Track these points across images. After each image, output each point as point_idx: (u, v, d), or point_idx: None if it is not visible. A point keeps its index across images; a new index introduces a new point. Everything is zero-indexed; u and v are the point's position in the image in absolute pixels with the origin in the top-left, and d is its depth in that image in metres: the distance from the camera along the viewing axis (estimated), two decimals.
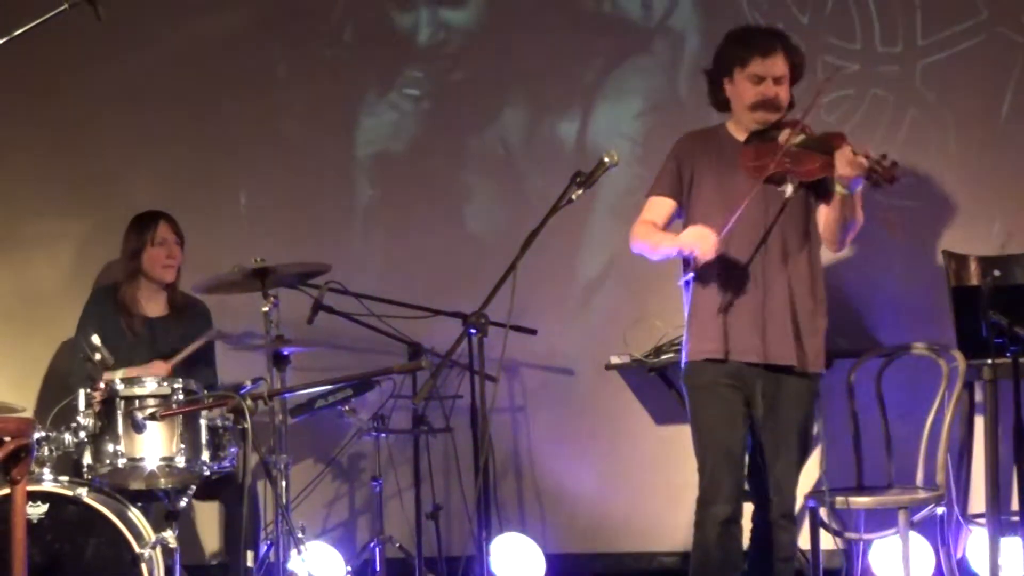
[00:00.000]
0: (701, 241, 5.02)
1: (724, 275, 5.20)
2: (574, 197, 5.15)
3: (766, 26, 5.44)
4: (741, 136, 5.32)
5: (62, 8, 4.58)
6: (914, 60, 6.80)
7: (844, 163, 5.02)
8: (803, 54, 5.33)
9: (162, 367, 6.12)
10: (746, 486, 5.32)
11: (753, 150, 5.22)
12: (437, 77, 7.12)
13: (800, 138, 5.16)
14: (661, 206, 5.34)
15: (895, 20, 6.82)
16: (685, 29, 6.97)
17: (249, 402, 4.63)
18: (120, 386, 5.66)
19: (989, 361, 5.70)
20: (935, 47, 6.79)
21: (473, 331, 5.04)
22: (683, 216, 5.34)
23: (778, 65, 5.22)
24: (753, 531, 5.36)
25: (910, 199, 6.67)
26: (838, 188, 5.10)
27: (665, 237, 5.25)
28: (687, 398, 5.31)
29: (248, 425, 4.61)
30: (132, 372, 6.00)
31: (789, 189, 5.15)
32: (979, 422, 6.17)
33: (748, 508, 5.36)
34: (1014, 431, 5.27)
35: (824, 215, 5.26)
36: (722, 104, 5.37)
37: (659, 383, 6.63)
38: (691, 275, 5.18)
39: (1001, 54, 6.74)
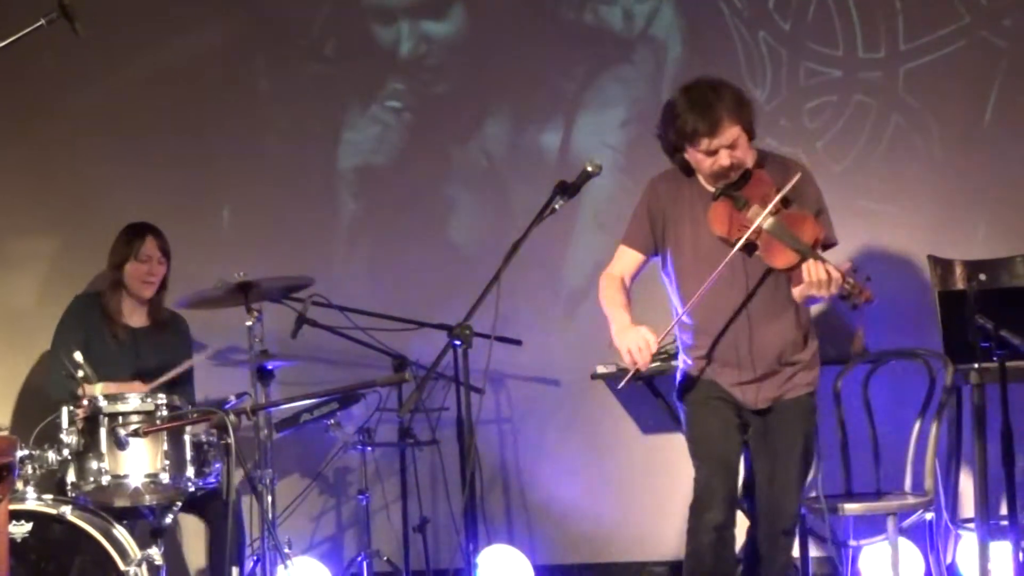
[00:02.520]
0: (640, 352, 4.97)
1: (712, 314, 5.17)
2: (557, 207, 5.12)
3: (707, 90, 5.10)
4: (710, 186, 5.19)
5: (39, 24, 4.55)
6: (897, 66, 6.80)
7: (813, 284, 4.90)
8: (749, 104, 5.14)
9: (141, 388, 6.07)
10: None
11: (724, 214, 5.10)
12: (419, 89, 7.11)
13: (770, 222, 5.01)
14: (629, 258, 5.30)
15: (877, 26, 6.82)
16: (667, 38, 6.96)
17: (233, 417, 4.59)
18: (103, 403, 5.63)
19: (976, 365, 5.69)
20: (917, 52, 6.80)
21: (457, 343, 5.00)
22: (659, 258, 5.30)
23: (727, 134, 5.03)
24: (747, 545, 5.33)
25: (894, 204, 6.68)
26: (795, 294, 5.05)
27: (615, 315, 5.19)
28: (682, 414, 5.30)
29: (232, 440, 4.58)
30: (111, 387, 5.97)
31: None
32: (967, 426, 6.16)
33: (744, 522, 5.35)
34: (1002, 435, 5.27)
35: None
36: (683, 164, 5.21)
37: (646, 392, 6.61)
38: (624, 383, 5.10)
39: (983, 58, 6.75)
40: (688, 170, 5.22)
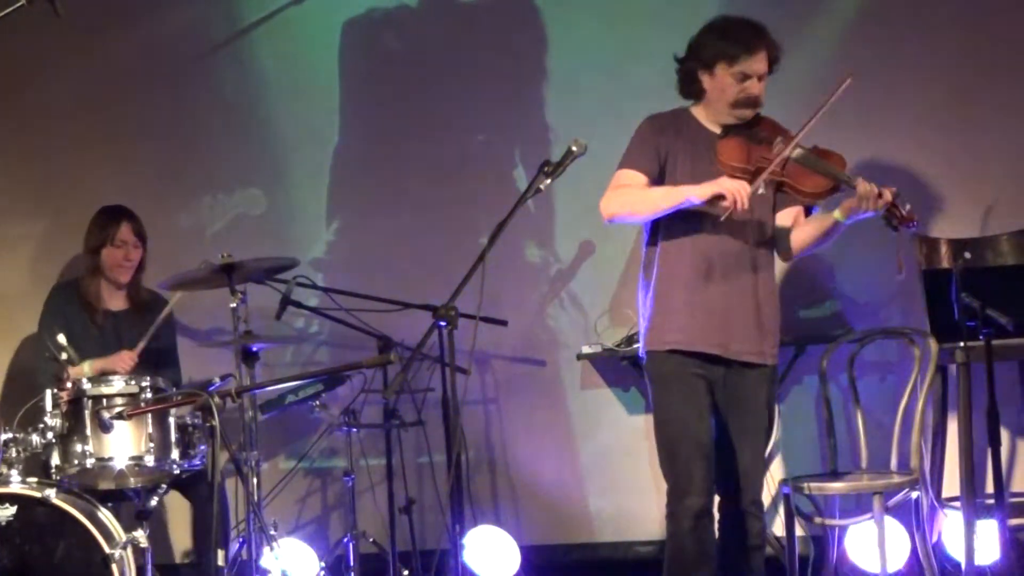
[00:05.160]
0: (741, 188, 4.91)
1: (692, 267, 5.16)
2: (542, 187, 5.09)
3: (748, 19, 5.21)
4: (712, 127, 5.22)
5: (19, 3, 4.52)
6: (882, 44, 6.77)
7: (865, 198, 4.93)
8: (780, 48, 5.21)
9: (128, 356, 6.07)
10: None
11: (738, 147, 5.11)
12: (407, 69, 7.06)
13: (799, 152, 5.06)
14: (636, 179, 5.18)
15: None
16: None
17: (217, 399, 4.58)
18: (87, 385, 5.62)
19: (961, 344, 5.68)
20: (900, 32, 6.77)
21: (443, 324, 4.98)
22: None
23: (762, 63, 5.13)
24: (721, 521, 5.32)
25: (879, 181, 6.65)
26: (837, 215, 5.04)
27: (675, 189, 5.09)
28: (651, 388, 5.26)
29: (216, 423, 4.56)
30: (98, 364, 5.98)
31: (761, 188, 5.09)
32: (952, 405, 6.17)
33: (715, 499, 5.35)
34: (988, 414, 5.26)
35: (798, 227, 5.20)
36: (694, 93, 5.25)
37: (631, 372, 6.62)
38: (724, 216, 4.96)
39: (966, 38, 6.71)
40: (685, 111, 5.26)
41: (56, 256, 6.91)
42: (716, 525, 5.27)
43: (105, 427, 5.56)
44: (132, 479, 5.70)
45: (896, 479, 5.87)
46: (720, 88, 5.16)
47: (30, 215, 7.09)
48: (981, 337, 5.25)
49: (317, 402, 6.25)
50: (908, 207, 5.01)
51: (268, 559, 5.65)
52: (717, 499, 5.28)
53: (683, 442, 5.14)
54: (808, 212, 5.26)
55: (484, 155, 7.03)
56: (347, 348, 6.63)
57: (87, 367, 5.95)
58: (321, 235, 7.08)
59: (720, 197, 4.93)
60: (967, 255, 5.98)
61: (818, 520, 6.06)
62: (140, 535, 5.60)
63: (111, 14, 7.01)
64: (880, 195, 4.95)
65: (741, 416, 5.21)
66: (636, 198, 5.14)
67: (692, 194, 5.01)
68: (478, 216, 6.74)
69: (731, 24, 5.20)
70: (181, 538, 6.86)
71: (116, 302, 6.41)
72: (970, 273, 5.44)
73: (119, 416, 5.48)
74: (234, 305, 5.92)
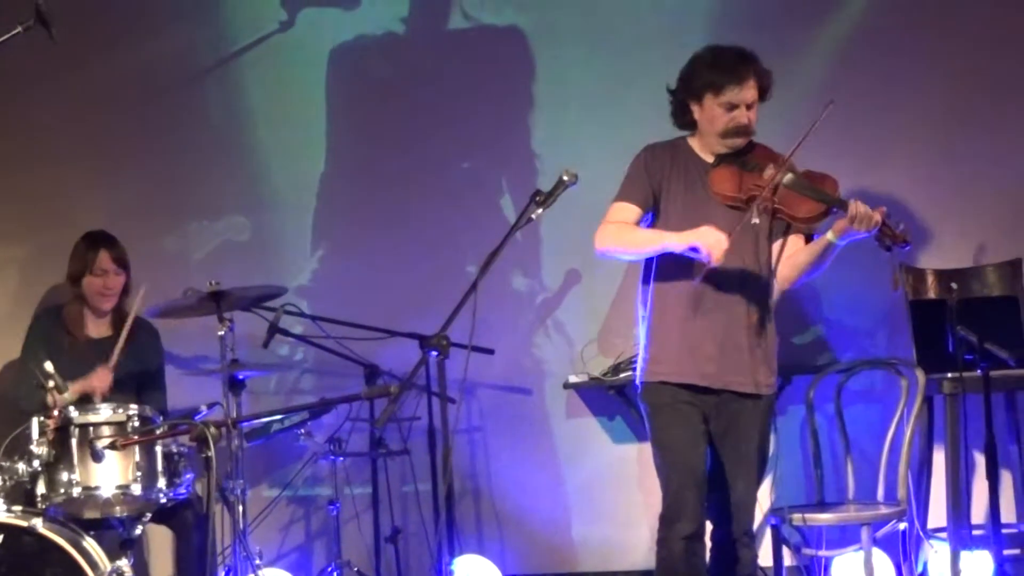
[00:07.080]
0: (717, 244, 4.90)
1: (685, 298, 5.16)
2: (533, 216, 5.09)
3: (736, 48, 5.23)
4: (706, 156, 5.24)
5: (16, 31, 4.51)
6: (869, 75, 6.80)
7: (858, 219, 4.89)
8: (771, 75, 5.22)
9: (104, 372, 6.03)
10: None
11: (730, 176, 5.11)
12: (394, 95, 7.05)
13: (789, 177, 5.03)
14: (629, 212, 5.23)
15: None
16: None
17: (213, 430, 4.54)
18: (74, 414, 5.57)
19: (949, 375, 5.71)
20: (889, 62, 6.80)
21: (434, 353, 4.96)
22: (648, 223, 5.28)
23: (750, 91, 5.14)
24: (713, 549, 5.33)
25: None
26: (830, 236, 5.02)
27: (658, 234, 5.13)
28: (646, 417, 5.27)
29: (212, 453, 4.52)
30: (78, 385, 5.93)
31: (755, 217, 5.08)
32: (938, 436, 6.18)
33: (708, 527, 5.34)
34: (986, 446, 5.27)
35: (791, 254, 5.19)
36: (687, 124, 5.28)
37: (617, 402, 6.62)
38: (698, 279, 4.96)
39: (962, 72, 6.74)
40: (683, 141, 5.28)
41: (39, 281, 6.85)
42: (708, 553, 5.28)
43: (97, 457, 5.51)
44: (119, 508, 5.64)
45: (883, 510, 5.89)
46: (709, 118, 5.18)
47: (13, 239, 7.04)
48: (980, 371, 5.26)
49: (302, 430, 6.22)
50: (901, 227, 4.97)
51: None
52: (710, 528, 5.29)
53: (675, 469, 5.15)
54: (809, 239, 5.23)
55: (471, 183, 7.01)
56: (332, 376, 6.61)
57: (69, 393, 5.90)
58: (307, 263, 7.05)
59: (696, 249, 4.96)
60: (954, 285, 5.99)
61: (806, 551, 6.08)
62: (124, 564, 5.56)
63: (98, 38, 6.98)
64: (871, 216, 4.91)
65: (734, 446, 5.21)
66: (626, 237, 5.19)
67: (671, 242, 5.04)
68: (464, 244, 6.73)
69: (718, 54, 5.20)
70: (164, 567, 6.81)
71: (99, 329, 6.36)
72: (961, 304, 5.46)
73: (112, 446, 5.43)
74: (222, 333, 5.89)
